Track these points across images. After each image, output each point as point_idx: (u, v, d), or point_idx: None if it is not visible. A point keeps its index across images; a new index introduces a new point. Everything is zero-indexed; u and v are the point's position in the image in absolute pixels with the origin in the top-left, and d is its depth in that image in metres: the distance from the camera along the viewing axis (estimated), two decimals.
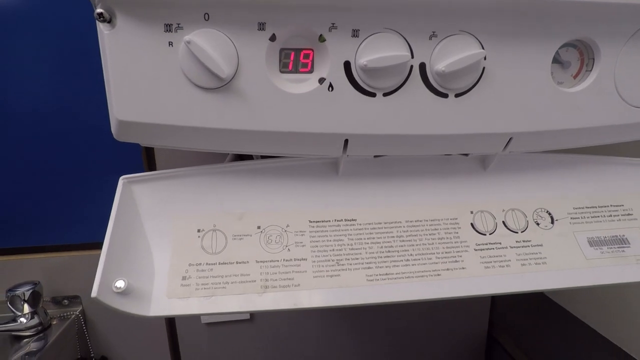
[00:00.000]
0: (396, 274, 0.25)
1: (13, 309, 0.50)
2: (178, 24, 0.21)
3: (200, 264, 0.24)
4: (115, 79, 0.22)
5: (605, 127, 0.26)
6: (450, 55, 0.23)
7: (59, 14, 0.48)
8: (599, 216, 0.29)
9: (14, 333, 0.50)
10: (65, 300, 0.57)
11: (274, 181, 0.27)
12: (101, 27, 0.21)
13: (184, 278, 0.24)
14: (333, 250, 0.26)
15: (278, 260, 0.25)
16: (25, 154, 0.52)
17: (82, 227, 0.56)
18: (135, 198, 0.25)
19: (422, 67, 0.24)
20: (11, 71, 0.48)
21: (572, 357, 0.60)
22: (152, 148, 0.52)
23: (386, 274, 0.25)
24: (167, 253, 0.24)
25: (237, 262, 0.25)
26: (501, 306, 0.74)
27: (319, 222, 0.27)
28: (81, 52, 0.49)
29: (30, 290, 0.50)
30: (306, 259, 0.25)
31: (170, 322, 0.60)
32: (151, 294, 0.23)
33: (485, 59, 0.24)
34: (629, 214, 0.29)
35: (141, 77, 0.22)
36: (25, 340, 0.51)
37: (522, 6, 0.22)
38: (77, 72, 0.49)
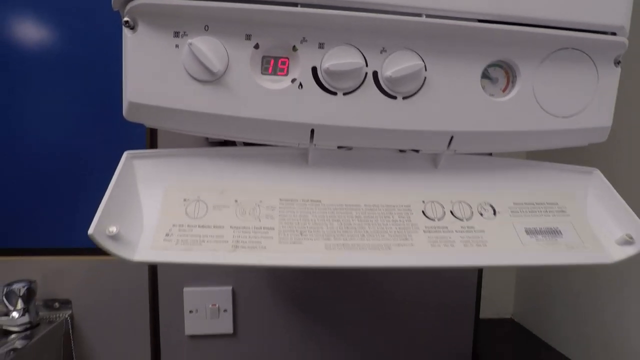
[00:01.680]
0: (351, 244, 0.29)
1: (7, 303, 0.52)
2: (184, 32, 0.28)
3: (182, 225, 0.29)
4: (131, 70, 0.28)
5: (531, 132, 0.32)
6: (396, 65, 0.29)
7: None
8: (535, 211, 0.33)
9: (4, 327, 0.52)
10: (57, 303, 0.59)
11: (253, 165, 0.32)
12: (125, 31, 0.28)
13: (167, 235, 0.28)
14: (298, 223, 0.30)
15: (249, 228, 0.29)
16: (29, 159, 0.57)
17: (79, 232, 0.59)
18: (135, 169, 0.30)
19: (375, 74, 0.30)
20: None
21: None
22: (156, 138, 0.57)
23: (343, 245, 0.29)
24: (156, 214, 0.29)
25: (214, 226, 0.29)
26: (484, 335, 0.73)
27: (288, 200, 0.31)
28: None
29: (26, 287, 0.53)
30: (274, 229, 0.29)
31: (155, 333, 0.61)
32: (137, 244, 0.27)
33: (426, 69, 0.30)
34: (562, 211, 0.33)
35: (151, 69, 0.28)
36: (12, 336, 0.52)
37: (451, 31, 0.29)
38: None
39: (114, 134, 0.58)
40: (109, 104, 0.58)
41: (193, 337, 0.62)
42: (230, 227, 0.29)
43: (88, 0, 0.56)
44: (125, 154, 0.30)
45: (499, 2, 0.29)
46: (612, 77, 0.31)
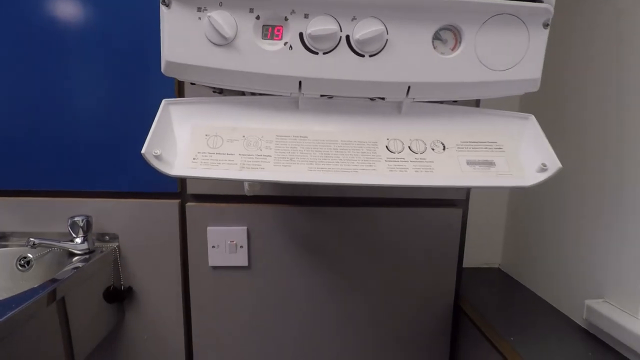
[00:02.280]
0: (328, 168, 0.39)
1: (72, 232, 0.66)
2: (204, 7, 0.38)
3: (205, 152, 0.39)
4: (167, 37, 0.38)
5: (474, 83, 0.40)
6: (363, 30, 0.38)
7: None
8: (478, 148, 0.42)
9: (70, 249, 0.66)
10: (107, 237, 0.73)
11: (257, 110, 0.42)
12: (162, 8, 0.38)
13: (194, 159, 0.39)
14: (289, 152, 0.40)
15: (252, 155, 0.40)
16: (85, 121, 0.70)
17: (125, 178, 0.72)
18: (170, 112, 0.41)
19: (347, 37, 0.39)
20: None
21: (523, 319, 0.69)
22: (182, 89, 0.68)
23: (321, 168, 0.39)
24: (186, 144, 0.39)
25: (227, 154, 0.39)
26: (465, 281, 0.83)
27: (282, 136, 0.41)
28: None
29: (86, 219, 0.67)
30: (270, 156, 0.40)
31: (184, 264, 0.74)
32: (174, 163, 0.38)
33: (387, 33, 0.38)
34: (499, 148, 0.42)
35: (181, 36, 0.38)
36: (76, 258, 0.66)
37: (407, 2, 0.37)
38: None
39: (150, 95, 0.69)
40: (144, 72, 0.69)
41: (215, 268, 0.75)
42: (239, 154, 0.39)
43: None
44: (163, 101, 0.41)
45: None
46: (541, 37, 0.39)
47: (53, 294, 0.54)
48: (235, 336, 0.78)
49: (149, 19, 0.67)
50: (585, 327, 0.64)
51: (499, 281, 0.86)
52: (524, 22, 0.39)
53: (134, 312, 0.75)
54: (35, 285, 0.54)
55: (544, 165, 0.39)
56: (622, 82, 0.58)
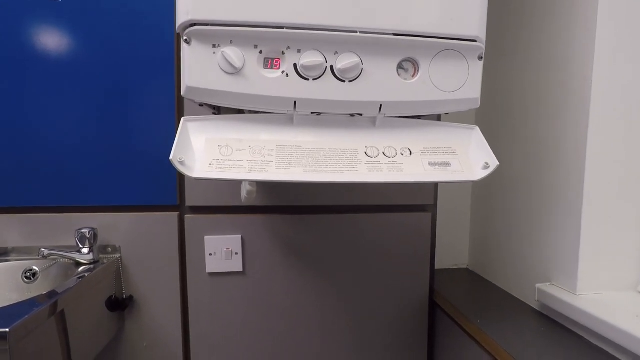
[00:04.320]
0: (319, 170, 0.49)
1: (79, 243, 0.72)
2: (218, 44, 0.48)
3: (218, 159, 0.48)
4: (187, 67, 0.47)
5: (430, 101, 0.51)
6: (344, 62, 0.49)
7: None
8: (437, 152, 0.53)
9: (77, 260, 0.71)
10: (109, 248, 0.78)
11: (260, 125, 0.52)
12: (183, 44, 0.47)
13: (209, 164, 0.47)
14: (287, 158, 0.49)
15: (258, 161, 0.49)
16: (90, 141, 0.77)
17: (127, 192, 0.78)
18: (188, 127, 0.50)
19: (332, 67, 0.49)
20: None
21: (487, 307, 0.79)
22: (182, 111, 0.75)
23: (314, 169, 0.49)
24: (202, 153, 0.48)
25: (237, 160, 0.48)
26: (438, 280, 0.93)
27: (281, 146, 0.51)
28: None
29: (92, 232, 0.72)
30: (272, 161, 0.49)
31: (182, 271, 0.80)
32: (194, 168, 0.46)
33: (362, 64, 0.49)
34: (454, 152, 0.53)
35: (199, 66, 0.47)
36: (82, 268, 0.71)
37: (376, 40, 0.49)
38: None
39: (145, 120, 0.77)
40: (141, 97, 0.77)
41: (212, 274, 0.81)
42: (247, 160, 0.48)
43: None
44: (182, 119, 0.50)
45: (406, 23, 0.49)
46: (477, 67, 0.51)
47: (54, 305, 0.57)
48: (229, 337, 0.83)
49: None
50: (538, 309, 0.75)
51: (468, 279, 0.97)
52: (464, 56, 0.51)
53: (134, 320, 0.80)
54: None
55: (487, 164, 0.50)
56: (557, 100, 0.72)
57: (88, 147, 0.77)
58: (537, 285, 0.73)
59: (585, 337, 0.64)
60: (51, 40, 0.74)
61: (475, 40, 0.50)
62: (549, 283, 0.73)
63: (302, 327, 0.85)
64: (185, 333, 0.82)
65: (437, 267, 0.96)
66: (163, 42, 0.76)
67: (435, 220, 0.88)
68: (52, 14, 0.73)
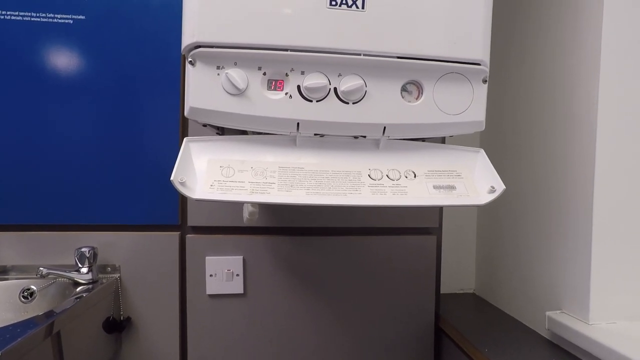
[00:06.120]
0: (322, 192, 0.48)
1: (78, 262, 0.71)
2: (222, 66, 0.48)
3: (220, 180, 0.47)
4: (191, 88, 0.48)
5: (434, 124, 0.51)
6: (347, 84, 0.48)
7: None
8: (442, 175, 0.52)
9: (75, 279, 0.70)
10: (109, 268, 0.77)
11: (262, 146, 0.51)
12: (188, 66, 0.48)
13: (211, 185, 0.47)
14: (289, 180, 0.49)
15: (259, 182, 0.48)
16: (94, 159, 0.77)
17: (127, 212, 0.78)
18: (190, 147, 0.49)
19: (335, 89, 0.49)
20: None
21: (495, 334, 0.76)
22: (186, 131, 0.77)
23: (316, 192, 0.48)
24: (204, 174, 0.48)
25: (238, 182, 0.48)
26: (444, 305, 0.90)
27: (283, 167, 0.50)
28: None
29: (92, 251, 0.72)
30: (275, 183, 0.48)
31: (182, 292, 0.79)
32: (195, 189, 0.46)
33: (366, 86, 0.49)
34: (459, 175, 0.52)
35: (203, 87, 0.48)
36: (80, 287, 0.70)
37: (380, 63, 0.49)
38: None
39: (149, 139, 0.78)
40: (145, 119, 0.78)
41: (212, 295, 0.79)
42: (249, 182, 0.48)
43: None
44: (185, 139, 0.50)
45: (410, 46, 0.49)
46: (482, 90, 0.51)
47: (50, 327, 0.56)
48: None
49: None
50: (548, 337, 0.72)
51: (474, 304, 0.94)
52: (468, 79, 0.51)
53: (131, 343, 0.78)
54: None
55: (493, 187, 0.49)
56: (562, 122, 0.71)
57: (90, 166, 0.77)
58: (547, 313, 0.70)
59: None
60: (59, 60, 0.75)
61: (479, 64, 0.50)
62: (559, 311, 0.70)
63: (303, 351, 0.82)
64: (183, 357, 0.80)
65: (442, 291, 0.94)
66: (170, 62, 0.77)
67: (441, 243, 0.86)
68: (62, 34, 0.75)
